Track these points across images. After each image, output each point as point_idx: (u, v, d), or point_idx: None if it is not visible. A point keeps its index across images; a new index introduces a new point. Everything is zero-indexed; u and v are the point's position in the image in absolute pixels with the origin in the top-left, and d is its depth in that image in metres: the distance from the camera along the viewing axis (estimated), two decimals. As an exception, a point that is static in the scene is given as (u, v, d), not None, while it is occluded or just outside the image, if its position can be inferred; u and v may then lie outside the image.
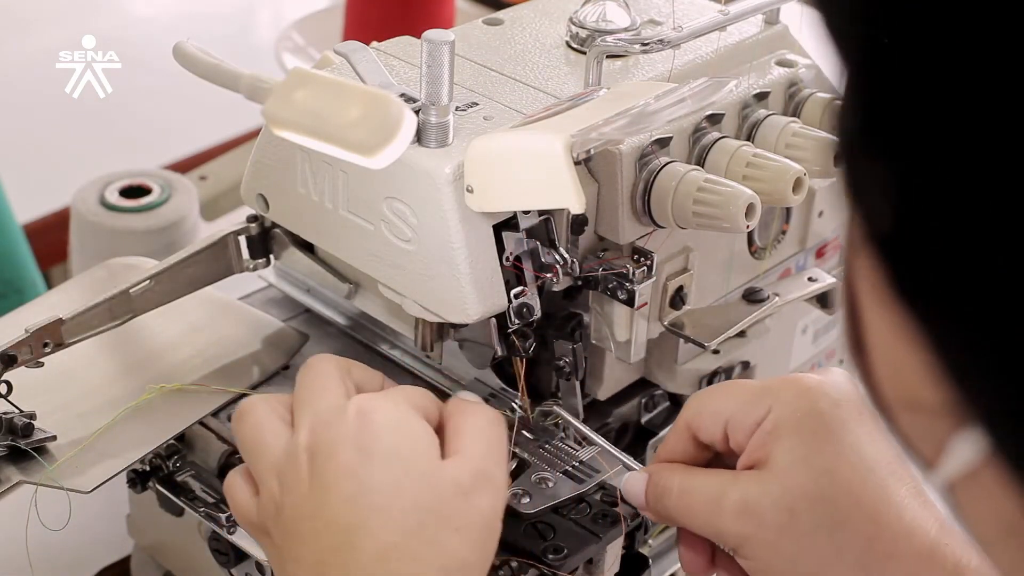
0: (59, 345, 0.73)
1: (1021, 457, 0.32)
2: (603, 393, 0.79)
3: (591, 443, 0.73)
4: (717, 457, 0.69)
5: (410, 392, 0.67)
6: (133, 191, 1.17)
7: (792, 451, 0.63)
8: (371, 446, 0.62)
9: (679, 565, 0.78)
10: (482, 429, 0.65)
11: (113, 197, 1.16)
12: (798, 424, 0.64)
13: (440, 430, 0.66)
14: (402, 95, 0.69)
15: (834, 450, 0.63)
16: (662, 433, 0.81)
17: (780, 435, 0.64)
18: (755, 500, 0.63)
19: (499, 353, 0.72)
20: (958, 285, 0.32)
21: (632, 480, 0.69)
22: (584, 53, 0.75)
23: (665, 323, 0.77)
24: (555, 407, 0.74)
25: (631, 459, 0.71)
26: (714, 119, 0.75)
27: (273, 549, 0.66)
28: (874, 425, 0.64)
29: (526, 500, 0.69)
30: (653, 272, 0.72)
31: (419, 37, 0.67)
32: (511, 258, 0.69)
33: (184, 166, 1.45)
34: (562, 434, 0.74)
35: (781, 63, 0.81)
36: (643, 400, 0.82)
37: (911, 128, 0.32)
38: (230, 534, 0.75)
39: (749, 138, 0.77)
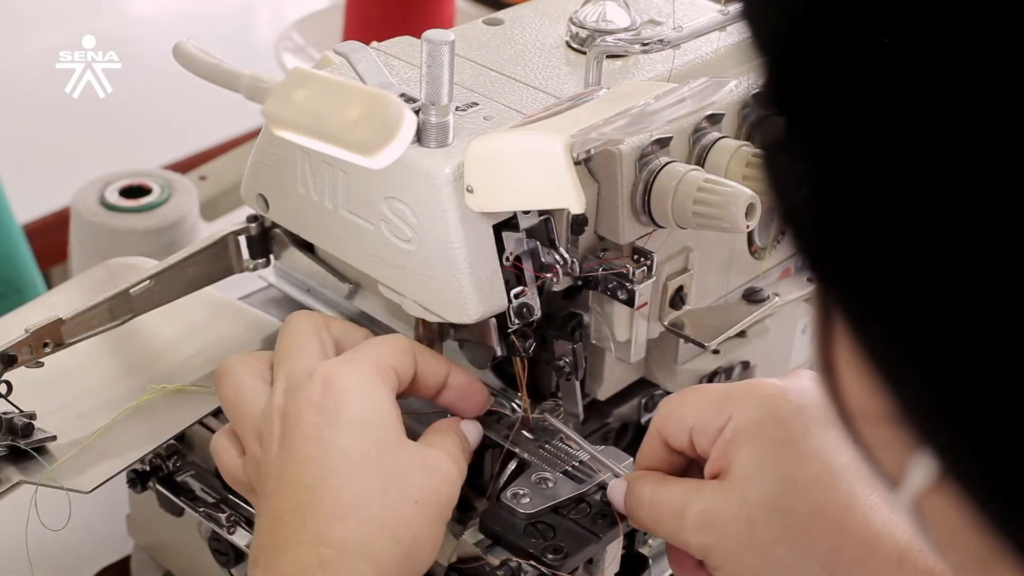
0: (59, 345, 0.73)
1: (965, 474, 0.32)
2: (603, 393, 0.79)
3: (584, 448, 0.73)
4: (693, 462, 0.69)
5: (380, 350, 0.68)
6: (133, 191, 1.17)
7: (751, 460, 0.63)
8: (333, 411, 0.65)
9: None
10: (458, 443, 0.69)
11: (113, 197, 1.16)
12: (758, 432, 0.63)
13: (417, 383, 0.70)
14: (402, 95, 0.69)
15: (795, 457, 0.62)
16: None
17: (740, 443, 0.63)
18: (715, 511, 0.62)
19: (499, 353, 0.72)
20: (872, 273, 0.32)
21: (615, 488, 0.69)
22: (584, 53, 0.75)
23: (665, 323, 0.77)
24: (547, 416, 0.74)
25: (619, 466, 0.71)
26: (714, 119, 0.75)
27: (257, 507, 0.68)
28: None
29: (526, 500, 0.69)
30: (653, 272, 0.72)
31: (419, 37, 0.67)
32: (511, 258, 0.69)
33: (184, 166, 1.45)
34: (562, 434, 0.74)
35: (781, 63, 0.80)
36: (643, 400, 0.82)
37: (823, 119, 0.33)
38: (230, 534, 0.75)
39: (749, 138, 0.76)
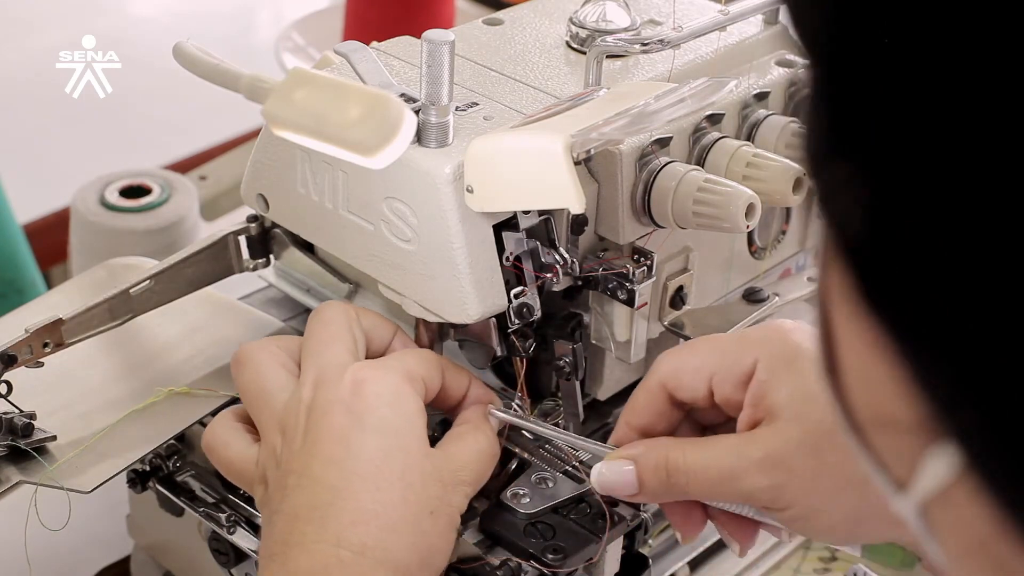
0: (59, 345, 0.73)
1: (994, 469, 0.31)
2: (603, 393, 0.79)
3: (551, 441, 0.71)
4: (687, 416, 0.68)
5: (411, 361, 0.69)
6: (133, 191, 1.17)
7: (796, 393, 0.63)
8: (362, 414, 0.65)
9: (680, 565, 0.78)
10: (479, 451, 0.69)
11: (113, 197, 1.16)
12: (793, 365, 0.63)
13: (441, 395, 0.70)
14: (402, 95, 0.69)
15: None
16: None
17: (780, 381, 0.63)
18: (779, 451, 0.62)
19: (499, 353, 0.72)
20: (931, 295, 0.30)
21: (612, 471, 0.66)
22: (584, 53, 0.75)
23: (665, 323, 0.77)
24: (499, 413, 0.71)
25: (600, 444, 0.69)
26: (714, 119, 0.75)
27: (265, 499, 0.67)
28: None
29: (526, 500, 0.69)
30: (653, 272, 0.72)
31: (419, 37, 0.67)
32: (511, 258, 0.69)
33: (184, 166, 1.45)
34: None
35: (781, 63, 0.81)
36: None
37: (882, 131, 0.31)
38: (230, 534, 0.75)
39: (749, 138, 0.76)
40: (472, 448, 0.69)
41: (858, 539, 0.66)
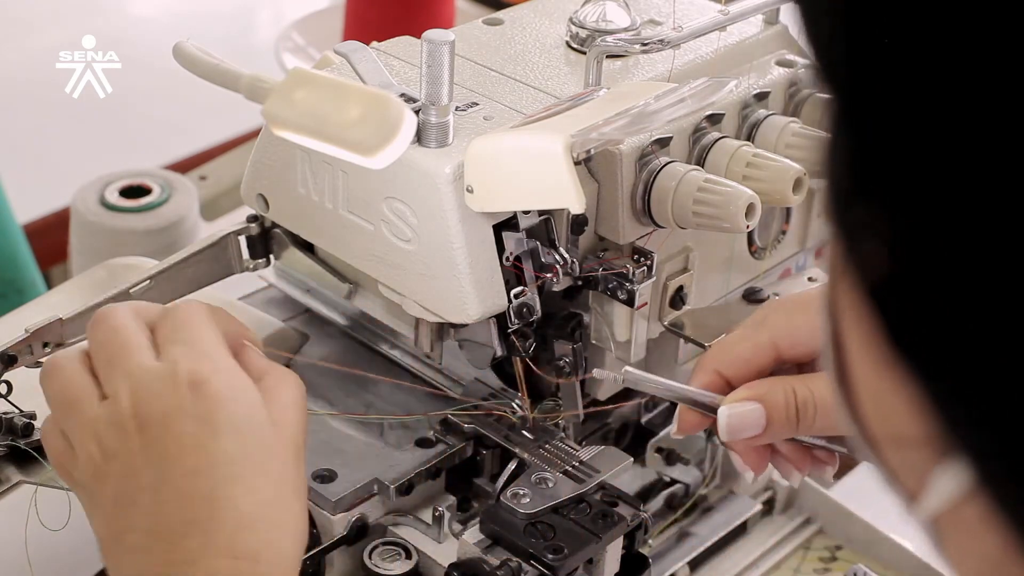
0: (59, 345, 0.73)
1: (1006, 492, 0.31)
2: (603, 393, 0.79)
3: (676, 394, 0.68)
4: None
5: (215, 332, 0.65)
6: (133, 191, 1.17)
7: None
8: (213, 418, 0.62)
9: (680, 565, 0.78)
10: (295, 401, 0.65)
11: (113, 197, 1.16)
12: None
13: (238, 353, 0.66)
14: (402, 95, 0.69)
15: None
16: (662, 433, 0.81)
17: None
18: None
19: (499, 353, 0.72)
20: (957, 337, 0.30)
21: (738, 413, 0.64)
22: (584, 53, 0.75)
23: (665, 323, 0.77)
24: (635, 371, 0.68)
25: (706, 394, 0.66)
26: (714, 119, 0.75)
27: (95, 508, 0.64)
28: None
29: (526, 500, 0.69)
30: (653, 272, 0.72)
31: (419, 37, 0.67)
32: (511, 258, 0.69)
33: (184, 166, 1.46)
34: (562, 434, 0.74)
35: (781, 63, 0.81)
36: (643, 400, 0.82)
37: (910, 171, 0.29)
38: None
39: (749, 138, 0.76)
40: (291, 403, 0.65)
41: None
